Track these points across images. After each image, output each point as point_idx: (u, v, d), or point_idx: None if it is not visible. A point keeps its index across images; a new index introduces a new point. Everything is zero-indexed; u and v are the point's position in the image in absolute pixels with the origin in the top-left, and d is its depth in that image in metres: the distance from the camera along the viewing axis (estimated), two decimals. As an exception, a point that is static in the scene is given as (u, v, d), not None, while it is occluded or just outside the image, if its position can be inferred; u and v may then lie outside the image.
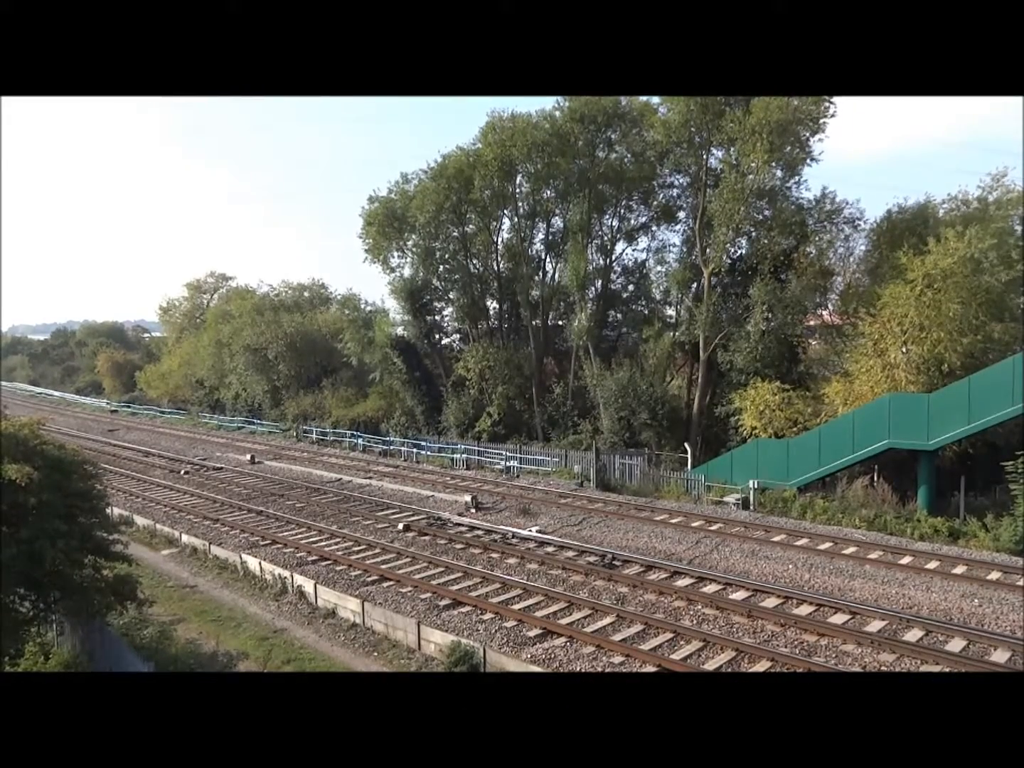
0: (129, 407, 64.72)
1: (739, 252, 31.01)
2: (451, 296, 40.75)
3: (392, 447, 37.97)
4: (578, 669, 12.88)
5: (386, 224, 37.88)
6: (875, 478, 23.74)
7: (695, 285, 32.76)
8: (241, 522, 23.68)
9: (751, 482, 24.51)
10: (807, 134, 28.03)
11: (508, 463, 32.02)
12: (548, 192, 36.32)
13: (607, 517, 23.47)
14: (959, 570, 17.27)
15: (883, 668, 12.53)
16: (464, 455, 33.96)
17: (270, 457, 37.63)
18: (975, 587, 16.14)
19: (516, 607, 15.65)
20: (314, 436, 42.87)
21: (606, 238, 36.91)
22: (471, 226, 38.37)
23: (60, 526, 11.50)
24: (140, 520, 24.78)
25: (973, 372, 21.53)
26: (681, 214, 35.46)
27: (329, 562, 19.29)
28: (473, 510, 24.81)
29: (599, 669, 12.85)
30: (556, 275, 38.41)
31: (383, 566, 18.69)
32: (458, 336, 43.26)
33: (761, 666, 12.72)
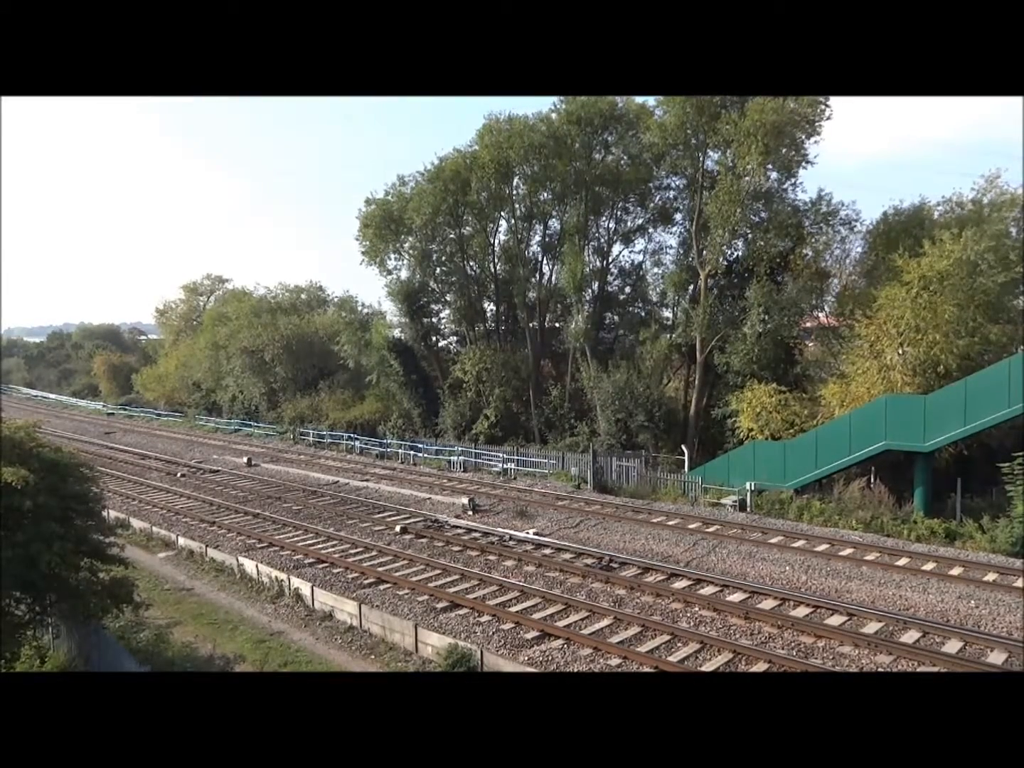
0: (126, 410, 64.52)
1: (735, 254, 31.11)
2: (448, 298, 40.79)
3: (389, 449, 37.91)
4: (575, 671, 12.86)
5: (383, 226, 37.87)
6: (872, 480, 23.76)
7: (692, 287, 32.85)
8: (238, 525, 23.61)
9: (748, 484, 24.53)
10: (802, 136, 28.16)
11: (505, 465, 31.99)
12: (545, 194, 36.34)
13: (604, 519, 23.47)
14: (956, 571, 17.30)
15: (880, 669, 12.54)
16: (461, 457, 33.93)
17: (267, 460, 37.54)
18: (972, 588, 16.17)
19: (513, 609, 15.62)
20: (311, 438, 42.80)
21: (603, 240, 36.99)
22: (468, 228, 38.37)
23: (56, 529, 11.47)
24: (136, 523, 24.70)
25: (969, 374, 21.57)
26: (677, 216, 35.62)
27: (326, 564, 19.24)
28: (470, 512, 24.78)
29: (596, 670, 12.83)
30: (553, 277, 38.44)
31: (380, 568, 18.65)
32: (455, 338, 43.24)
33: (758, 668, 12.71)
